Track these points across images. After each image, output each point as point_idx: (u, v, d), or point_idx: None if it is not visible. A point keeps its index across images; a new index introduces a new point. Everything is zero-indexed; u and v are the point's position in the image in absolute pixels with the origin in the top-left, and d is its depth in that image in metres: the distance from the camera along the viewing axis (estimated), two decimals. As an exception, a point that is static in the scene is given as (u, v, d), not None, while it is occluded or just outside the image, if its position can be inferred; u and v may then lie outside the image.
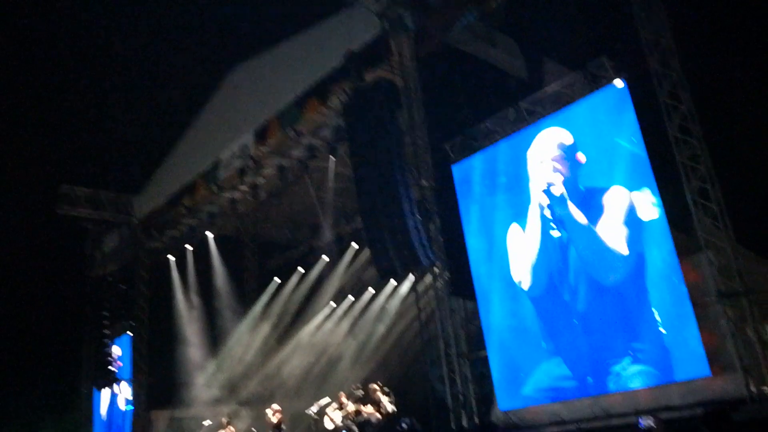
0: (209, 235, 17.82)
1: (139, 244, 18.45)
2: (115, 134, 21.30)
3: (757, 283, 8.97)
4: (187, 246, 18.04)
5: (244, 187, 15.11)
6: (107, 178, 19.12)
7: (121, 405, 19.19)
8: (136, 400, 18.03)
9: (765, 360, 8.39)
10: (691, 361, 8.88)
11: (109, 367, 18.42)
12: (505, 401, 11.31)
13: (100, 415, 20.26)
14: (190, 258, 18.25)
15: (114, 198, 18.82)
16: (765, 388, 8.24)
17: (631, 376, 9.53)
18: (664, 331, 9.23)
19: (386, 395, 13.67)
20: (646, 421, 5.53)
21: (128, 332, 19.00)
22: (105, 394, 19.87)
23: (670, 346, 9.13)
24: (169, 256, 18.46)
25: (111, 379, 18.60)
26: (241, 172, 14.69)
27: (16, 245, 21.26)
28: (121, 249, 18.76)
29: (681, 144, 9.43)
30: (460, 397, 11.74)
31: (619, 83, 10.16)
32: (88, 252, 19.95)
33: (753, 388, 8.30)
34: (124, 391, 19.10)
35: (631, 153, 9.86)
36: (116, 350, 19.10)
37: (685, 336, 8.96)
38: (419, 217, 11.41)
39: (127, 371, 18.74)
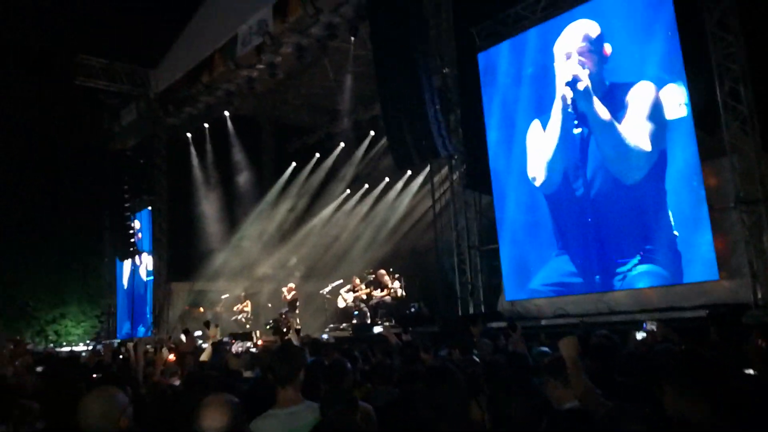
0: (226, 114, 17.69)
1: (156, 119, 18.40)
2: (131, 5, 20.64)
3: (779, 192, 8.78)
4: (205, 124, 17.97)
5: (261, 66, 14.73)
6: (124, 50, 18.76)
7: (143, 275, 20.02)
8: (157, 272, 18.75)
9: (775, 268, 8.39)
10: (700, 264, 8.90)
11: (131, 240, 19.06)
12: (511, 292, 11.56)
13: (122, 283, 21.22)
14: (207, 136, 18.25)
15: (130, 70, 18.55)
16: (771, 295, 8.30)
17: (639, 275, 9.61)
18: (677, 234, 9.20)
19: (397, 280, 14.10)
20: (650, 325, 5.66)
21: (148, 207, 19.44)
22: (127, 264, 20.69)
23: (682, 249, 9.12)
24: (188, 134, 18.46)
25: (132, 251, 19.29)
26: (259, 49, 14.27)
27: (37, 116, 21.34)
28: (138, 123, 18.76)
29: (718, 41, 8.91)
30: (469, 286, 12.02)
31: (660, -29, 9.48)
32: (107, 125, 20.01)
33: (759, 294, 8.36)
34: (145, 263, 19.85)
35: (664, 47, 9.36)
36: (137, 224, 19.65)
37: (697, 239, 8.93)
38: (440, 106, 11.16)
39: (148, 244, 19.37)
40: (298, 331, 9.25)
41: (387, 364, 5.01)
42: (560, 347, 2.99)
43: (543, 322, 9.92)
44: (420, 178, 16.89)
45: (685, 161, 9.12)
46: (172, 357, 5.28)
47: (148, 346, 6.06)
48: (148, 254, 19.39)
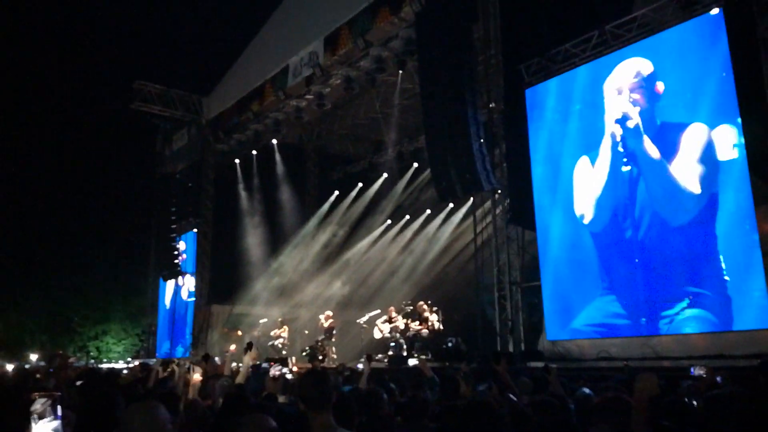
0: (274, 142, 18.06)
1: (206, 144, 18.90)
2: (188, 34, 21.45)
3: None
4: (253, 151, 18.38)
5: (310, 96, 15.06)
6: (179, 77, 19.43)
7: (184, 296, 20.33)
8: (198, 293, 19.02)
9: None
10: (753, 311, 8.55)
11: (175, 261, 19.43)
12: (553, 332, 11.30)
13: (164, 303, 21.57)
14: (255, 163, 18.64)
15: (184, 97, 19.19)
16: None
17: (686, 320, 9.28)
18: (727, 278, 8.88)
19: (434, 313, 13.94)
20: (698, 370, 5.45)
21: (194, 229, 19.83)
22: (170, 284, 21.06)
23: (733, 294, 8.79)
24: (236, 160, 18.89)
25: (176, 272, 19.66)
26: (308, 80, 14.60)
27: (92, 137, 22.21)
28: (189, 148, 19.30)
29: (775, 83, 8.70)
30: (509, 323, 11.80)
31: (714, 10, 9.34)
32: (159, 149, 20.64)
33: (815, 346, 7.97)
34: (187, 284, 20.17)
35: (718, 88, 9.18)
36: (182, 245, 20.06)
37: (750, 286, 8.60)
38: (485, 140, 11.15)
39: (191, 266, 19.71)
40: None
41: (422, 397, 4.90)
42: (638, 382, 2.69)
43: (586, 365, 9.63)
44: (462, 212, 16.81)
45: (738, 205, 8.84)
46: (198, 378, 5.42)
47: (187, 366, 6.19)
48: (191, 275, 19.72)
